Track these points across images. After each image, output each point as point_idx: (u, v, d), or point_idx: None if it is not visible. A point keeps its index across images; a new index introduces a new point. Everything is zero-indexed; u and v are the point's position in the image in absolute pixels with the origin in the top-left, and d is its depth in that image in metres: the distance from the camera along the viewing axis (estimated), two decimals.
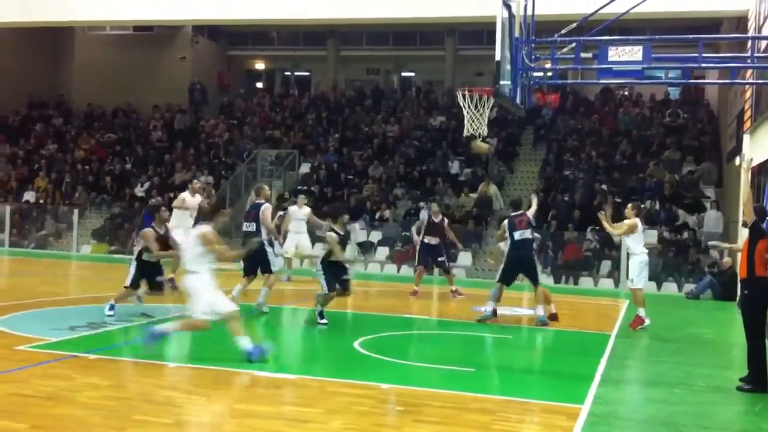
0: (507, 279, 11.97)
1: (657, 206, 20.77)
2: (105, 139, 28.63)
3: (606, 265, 19.42)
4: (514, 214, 12.09)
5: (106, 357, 8.27)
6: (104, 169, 26.63)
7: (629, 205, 12.86)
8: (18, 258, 20.60)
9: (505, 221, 12.07)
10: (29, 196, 25.63)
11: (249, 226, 12.05)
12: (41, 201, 25.40)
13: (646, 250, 12.27)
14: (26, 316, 10.31)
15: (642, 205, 20.80)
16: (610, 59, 10.05)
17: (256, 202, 12.29)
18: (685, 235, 19.63)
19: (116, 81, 29.99)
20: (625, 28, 13.70)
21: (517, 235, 11.77)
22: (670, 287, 18.65)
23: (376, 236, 21.80)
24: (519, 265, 11.99)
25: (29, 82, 30.56)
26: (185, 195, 14.42)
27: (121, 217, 23.98)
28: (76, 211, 23.35)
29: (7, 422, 5.99)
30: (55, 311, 10.56)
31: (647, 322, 11.91)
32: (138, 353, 8.43)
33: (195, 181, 15.74)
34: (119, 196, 25.14)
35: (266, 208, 12.00)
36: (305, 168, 25.71)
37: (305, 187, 23.50)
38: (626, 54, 10.02)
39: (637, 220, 12.11)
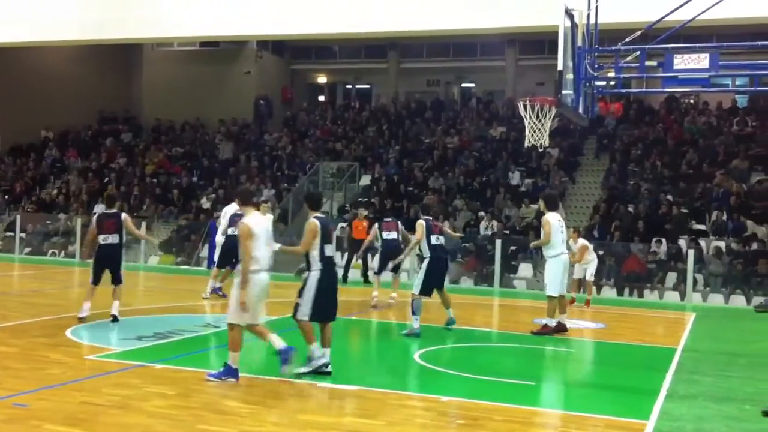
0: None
1: (725, 217, 20.26)
2: (172, 152, 29.35)
3: (671, 278, 19.00)
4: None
5: (172, 367, 8.45)
6: (171, 182, 27.27)
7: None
8: (88, 269, 21.16)
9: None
10: (99, 209, 26.39)
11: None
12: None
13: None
14: (95, 327, 10.62)
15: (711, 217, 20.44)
16: (675, 67, 9.87)
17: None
18: (754, 246, 19.09)
19: (183, 96, 30.77)
20: (691, 35, 13.46)
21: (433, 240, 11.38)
22: (738, 300, 18.15)
23: None
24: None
25: (100, 98, 31.59)
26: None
27: (187, 229, 24.49)
28: (144, 224, 23.90)
29: (78, 430, 6.19)
30: (123, 321, 10.85)
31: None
32: (203, 364, 8.60)
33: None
34: (186, 209, 25.69)
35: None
36: (366, 180, 25.86)
37: (365, 199, 23.63)
38: (692, 62, 9.84)
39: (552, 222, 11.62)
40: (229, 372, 7.83)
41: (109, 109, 32.40)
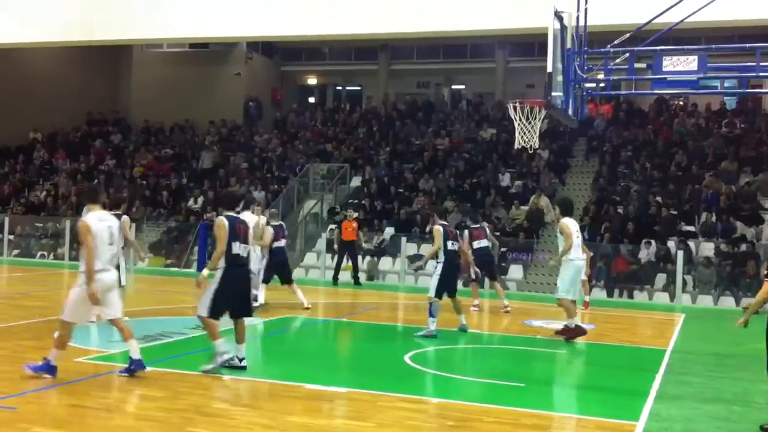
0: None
1: (714, 218, 20.35)
2: (162, 154, 29.26)
3: (661, 279, 19.07)
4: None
5: (161, 369, 8.41)
6: (161, 183, 27.18)
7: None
8: (77, 271, 21.07)
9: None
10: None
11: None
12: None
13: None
14: (84, 329, 10.55)
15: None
16: (664, 69, 9.92)
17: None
18: (743, 247, 19.18)
19: (173, 97, 30.68)
20: (680, 37, 13.47)
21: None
22: (727, 301, 18.23)
23: (426, 249, 21.75)
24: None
25: (89, 99, 31.46)
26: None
27: (177, 231, 24.41)
28: (133, 226, 23.78)
29: None
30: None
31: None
32: (191, 366, 8.57)
33: (257, 207, 15.55)
34: (175, 211, 25.60)
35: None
36: (356, 181, 25.85)
37: (355, 201, 23.63)
38: (681, 64, 9.88)
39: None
40: (48, 368, 7.72)
41: (98, 111, 32.26)
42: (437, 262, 11.35)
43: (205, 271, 8.34)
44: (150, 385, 7.65)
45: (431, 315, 11.11)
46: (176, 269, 22.69)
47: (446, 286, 11.31)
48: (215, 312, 8.21)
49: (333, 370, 9.36)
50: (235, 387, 8.05)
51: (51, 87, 29.58)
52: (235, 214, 8.47)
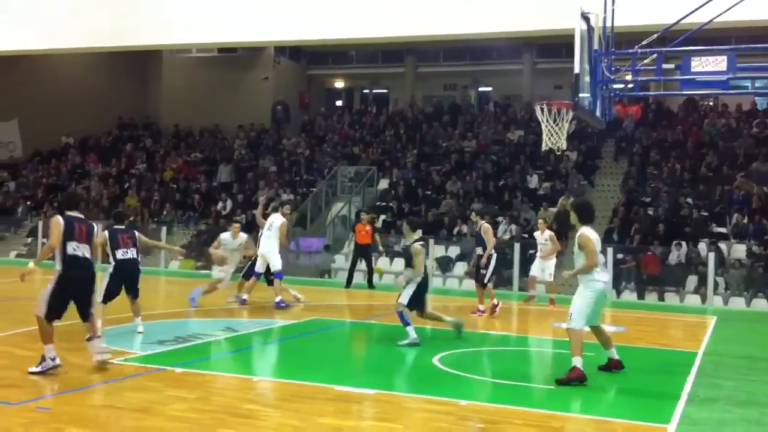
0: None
1: (745, 219, 20.11)
2: (192, 158, 29.55)
3: (692, 281, 18.89)
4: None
5: (192, 370, 8.51)
6: (191, 187, 27.43)
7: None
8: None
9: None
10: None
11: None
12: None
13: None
14: (116, 331, 10.70)
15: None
16: (693, 70, 9.85)
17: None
18: None
19: (202, 102, 30.99)
20: (709, 37, 13.35)
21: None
22: (760, 303, 18.00)
23: (454, 251, 21.77)
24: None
25: (120, 104, 31.88)
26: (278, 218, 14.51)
27: (207, 233, 24.61)
28: (164, 229, 24.06)
29: None
30: (144, 325, 10.92)
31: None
32: (222, 368, 8.67)
33: (288, 206, 15.70)
34: (205, 214, 25.83)
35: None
36: (383, 184, 25.90)
37: (382, 203, 23.67)
38: (710, 64, 9.81)
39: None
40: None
41: (129, 116, 32.69)
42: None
43: (31, 264, 8.07)
44: (181, 387, 7.75)
45: (407, 323, 10.62)
46: (206, 271, 22.85)
47: (420, 297, 10.85)
48: (51, 314, 7.97)
49: (362, 371, 9.41)
50: (265, 388, 8.12)
51: (82, 92, 30.02)
52: (76, 215, 8.17)
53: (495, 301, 14.00)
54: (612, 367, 9.13)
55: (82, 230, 8.12)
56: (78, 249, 8.03)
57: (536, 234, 16.20)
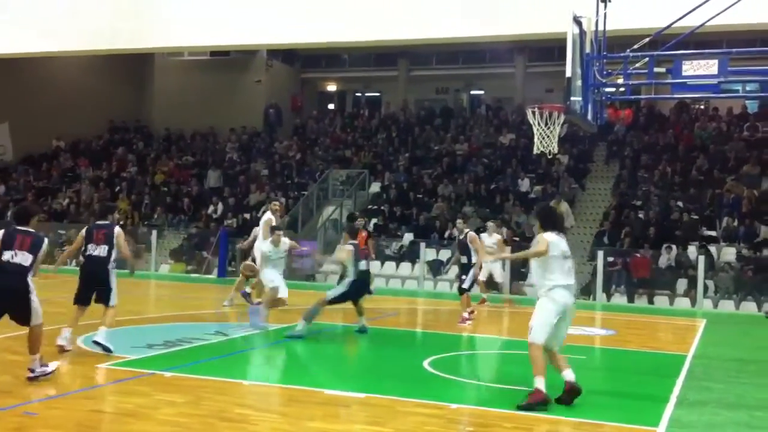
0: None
1: (735, 223, 20.18)
2: (183, 161, 29.48)
3: (682, 284, 18.94)
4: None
5: (182, 375, 8.48)
6: (182, 190, 27.37)
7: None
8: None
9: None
10: (109, 218, 26.41)
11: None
12: (121, 222, 26.23)
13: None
14: (107, 335, 10.64)
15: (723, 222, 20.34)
16: (684, 73, 9.88)
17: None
18: (765, 252, 19.00)
19: (194, 105, 30.94)
20: (700, 41, 13.44)
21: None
22: (749, 306, 18.07)
23: (445, 255, 21.77)
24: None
25: (111, 107, 31.78)
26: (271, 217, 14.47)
27: (197, 237, 24.57)
28: (154, 232, 24.03)
29: None
30: (134, 329, 10.90)
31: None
32: (212, 372, 8.63)
33: (275, 203, 15.70)
34: (196, 217, 25.78)
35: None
36: (375, 187, 25.90)
37: (374, 207, 23.67)
38: (701, 68, 9.84)
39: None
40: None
41: (120, 119, 32.61)
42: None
43: None
44: (171, 391, 7.71)
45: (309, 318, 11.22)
46: (197, 275, 22.84)
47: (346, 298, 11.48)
48: None
49: (352, 375, 9.39)
50: (255, 392, 8.09)
51: (73, 95, 29.92)
52: (26, 229, 8.05)
53: (469, 311, 13.43)
54: (570, 393, 7.61)
55: (26, 240, 7.93)
56: (13, 257, 7.78)
57: (484, 236, 15.95)
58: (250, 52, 30.55)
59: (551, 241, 7.71)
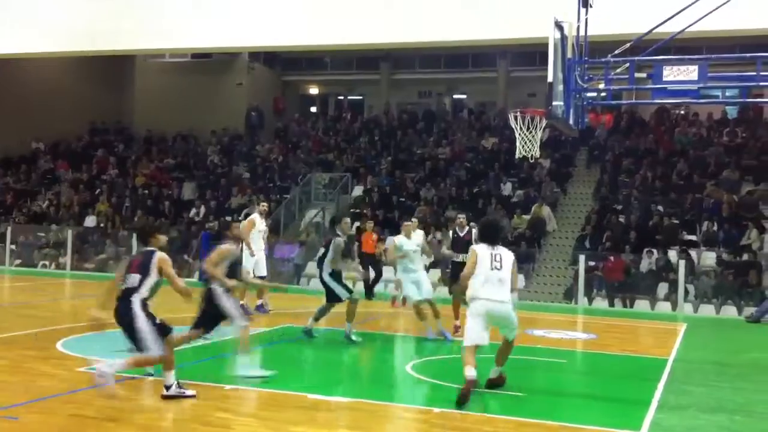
0: None
1: (715, 227, 20.35)
2: (164, 164, 29.32)
3: (663, 288, 19.06)
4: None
5: (163, 379, 8.40)
6: (163, 193, 27.21)
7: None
8: (79, 281, 21.13)
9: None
10: (90, 221, 26.27)
11: None
12: (102, 225, 26.03)
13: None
14: (87, 338, 10.56)
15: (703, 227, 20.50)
16: (665, 79, 9.93)
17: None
18: (745, 257, 19.18)
19: (175, 107, 30.79)
20: (681, 47, 13.53)
21: None
22: (729, 310, 18.21)
23: (427, 258, 21.77)
24: None
25: (91, 109, 31.55)
26: (256, 217, 14.53)
27: (179, 240, 24.41)
28: (134, 235, 23.83)
29: None
30: (116, 333, 10.75)
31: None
32: (195, 376, 8.57)
33: (263, 204, 15.72)
34: (177, 221, 25.63)
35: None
36: (358, 191, 25.89)
37: (357, 210, 23.63)
38: (681, 73, 9.90)
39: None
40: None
41: (101, 120, 32.39)
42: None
43: None
44: (152, 395, 7.66)
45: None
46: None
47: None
48: None
49: (335, 379, 9.36)
50: (237, 397, 8.05)
51: (54, 96, 29.67)
52: None
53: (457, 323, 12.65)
54: (495, 384, 8.38)
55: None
56: None
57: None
58: (232, 55, 30.45)
59: (480, 253, 8.14)
